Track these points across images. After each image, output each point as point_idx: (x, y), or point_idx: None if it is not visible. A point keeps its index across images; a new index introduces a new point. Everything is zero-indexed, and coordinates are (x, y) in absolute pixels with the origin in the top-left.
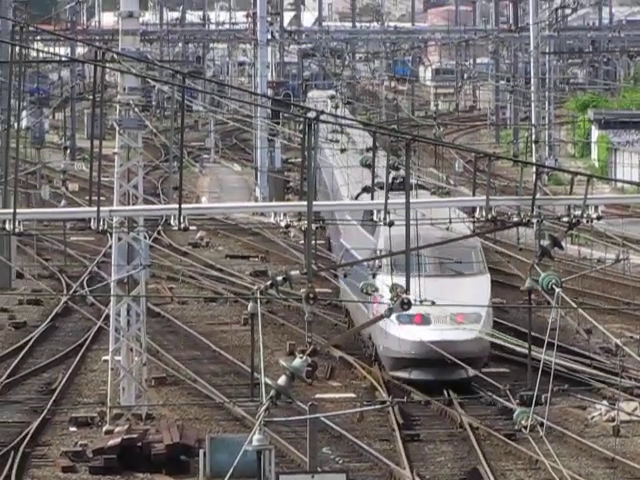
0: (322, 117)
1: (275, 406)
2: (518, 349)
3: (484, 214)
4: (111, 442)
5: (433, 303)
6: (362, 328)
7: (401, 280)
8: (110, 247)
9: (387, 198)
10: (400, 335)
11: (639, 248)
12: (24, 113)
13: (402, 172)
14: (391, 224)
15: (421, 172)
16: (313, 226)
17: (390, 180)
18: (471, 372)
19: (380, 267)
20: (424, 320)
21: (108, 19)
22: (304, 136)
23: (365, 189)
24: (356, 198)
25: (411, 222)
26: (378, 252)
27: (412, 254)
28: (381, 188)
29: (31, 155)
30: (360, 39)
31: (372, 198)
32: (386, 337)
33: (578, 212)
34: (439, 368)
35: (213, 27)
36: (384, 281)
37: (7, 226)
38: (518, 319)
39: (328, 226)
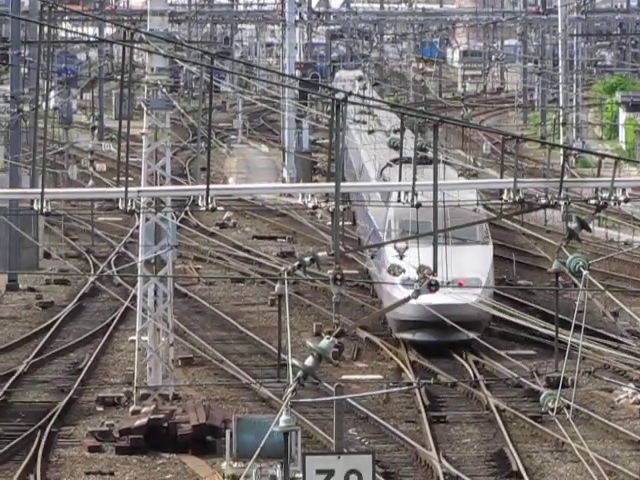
0: (350, 98)
1: (302, 387)
2: (545, 331)
3: (512, 196)
4: (138, 422)
5: (435, 272)
6: (389, 310)
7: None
8: (137, 227)
9: (415, 180)
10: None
11: None
12: (52, 93)
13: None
14: (418, 205)
15: (448, 154)
16: (341, 207)
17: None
18: (471, 334)
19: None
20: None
21: None
22: (332, 117)
23: (390, 163)
24: (381, 172)
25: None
26: (387, 221)
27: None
28: (405, 162)
29: (59, 135)
30: (388, 20)
31: (400, 177)
32: (392, 301)
33: (605, 194)
34: (441, 330)
35: (241, 8)
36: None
37: (35, 206)
38: (545, 301)
39: (354, 207)
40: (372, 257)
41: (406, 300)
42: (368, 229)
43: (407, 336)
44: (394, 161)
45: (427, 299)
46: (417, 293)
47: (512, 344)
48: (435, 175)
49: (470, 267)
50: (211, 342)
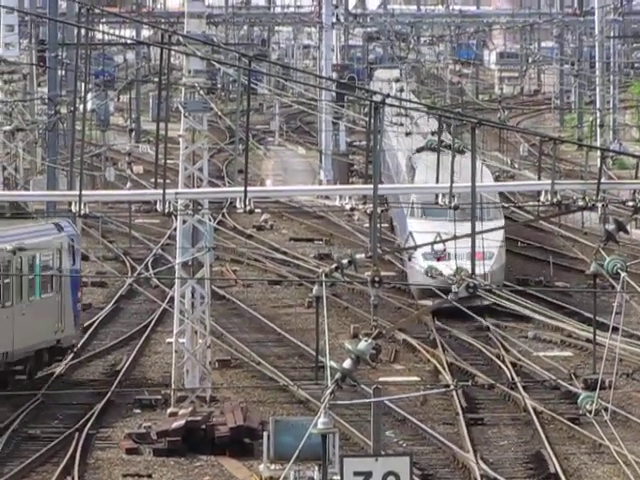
0: (388, 100)
1: (340, 389)
2: (582, 333)
3: (549, 198)
4: (175, 424)
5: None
6: (426, 312)
7: (430, 223)
8: (175, 229)
9: (452, 182)
10: (426, 267)
11: None
12: (89, 95)
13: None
14: (456, 208)
15: (485, 156)
16: (378, 209)
17: (426, 144)
18: (485, 301)
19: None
20: (446, 257)
21: (174, 1)
22: (370, 119)
23: (419, 149)
24: (409, 159)
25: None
26: (412, 200)
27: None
28: (430, 149)
29: (96, 137)
30: (425, 22)
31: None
32: (415, 272)
33: None
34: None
35: (278, 10)
36: (414, 224)
37: (73, 208)
38: (583, 303)
39: (391, 208)
40: (409, 259)
41: (445, 301)
42: (403, 229)
43: (427, 302)
44: (419, 150)
45: (447, 269)
46: (455, 295)
47: (550, 346)
48: (473, 177)
49: (484, 241)
50: (248, 344)
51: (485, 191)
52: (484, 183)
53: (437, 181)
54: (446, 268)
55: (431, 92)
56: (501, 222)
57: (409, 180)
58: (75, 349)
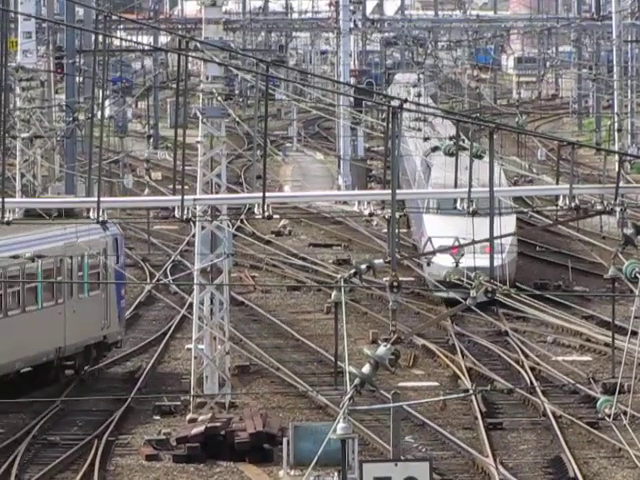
0: (406, 106)
1: (359, 395)
2: (601, 337)
3: (567, 202)
4: (194, 431)
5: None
6: (444, 317)
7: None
8: (193, 236)
9: (470, 186)
10: (440, 262)
11: None
12: (107, 102)
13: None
14: (474, 213)
15: (504, 160)
16: (396, 214)
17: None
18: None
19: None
20: (459, 251)
21: (191, 8)
22: (387, 124)
23: (434, 148)
24: (426, 156)
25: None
26: (428, 200)
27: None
28: (449, 154)
29: (114, 144)
30: (442, 27)
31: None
32: (431, 265)
33: None
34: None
35: (296, 16)
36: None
37: (91, 214)
38: (601, 308)
39: (409, 213)
40: (428, 264)
41: (462, 307)
42: (422, 233)
43: (442, 294)
44: (434, 149)
45: (460, 262)
46: (473, 300)
47: (569, 350)
48: (491, 182)
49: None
50: (267, 350)
51: (503, 195)
52: (502, 187)
53: (455, 186)
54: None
55: (449, 97)
56: (513, 217)
57: (425, 179)
58: (119, 345)
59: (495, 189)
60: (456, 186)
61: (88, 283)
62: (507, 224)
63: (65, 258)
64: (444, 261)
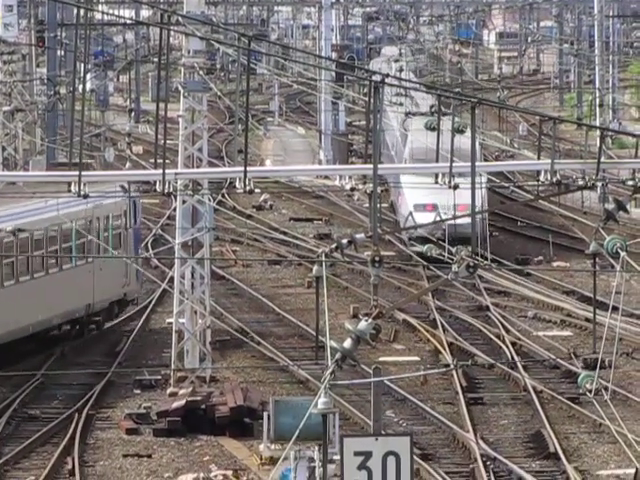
0: (387, 80)
1: (340, 369)
2: (582, 312)
3: (549, 178)
4: (175, 404)
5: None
6: (425, 292)
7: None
8: (174, 210)
9: (452, 162)
10: (417, 220)
11: None
12: (89, 76)
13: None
14: (456, 187)
15: (485, 135)
16: (378, 189)
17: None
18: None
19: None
20: (434, 208)
21: None
22: (369, 99)
23: (408, 113)
24: (402, 123)
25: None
26: (405, 159)
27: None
28: (430, 129)
29: (96, 118)
30: (424, 2)
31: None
32: (407, 222)
33: None
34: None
35: None
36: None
37: (73, 188)
38: (582, 283)
39: (392, 188)
40: (410, 242)
41: (444, 281)
42: (402, 205)
43: (418, 249)
44: (411, 114)
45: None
46: (455, 275)
47: (549, 326)
48: (473, 157)
49: (467, 195)
50: (248, 324)
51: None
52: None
53: (437, 161)
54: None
55: (430, 71)
56: (484, 177)
57: (402, 143)
58: (136, 302)
59: (477, 164)
60: (437, 161)
61: (110, 243)
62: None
63: (94, 219)
64: (422, 219)
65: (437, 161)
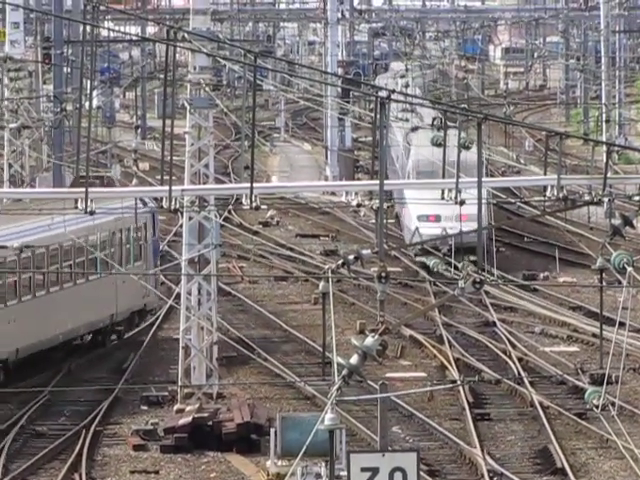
0: (393, 96)
1: (347, 385)
2: (589, 328)
3: (555, 193)
4: (182, 421)
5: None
6: (432, 308)
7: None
8: (181, 226)
9: (458, 177)
10: (420, 230)
11: None
12: (95, 92)
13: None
14: (462, 203)
15: (491, 151)
16: (384, 205)
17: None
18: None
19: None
20: (437, 219)
21: None
22: (375, 115)
23: (414, 128)
24: (406, 137)
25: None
26: (408, 172)
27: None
28: (436, 145)
29: (102, 134)
30: (430, 18)
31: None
32: (410, 232)
33: None
34: (449, 254)
35: (283, 6)
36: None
37: (79, 205)
38: (589, 298)
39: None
40: (416, 256)
41: (449, 297)
42: (406, 216)
43: (422, 259)
44: (414, 129)
45: (438, 230)
46: (461, 290)
47: (556, 341)
48: (480, 173)
49: (470, 205)
50: (255, 340)
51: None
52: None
53: (443, 176)
54: (437, 229)
55: (437, 87)
56: (486, 190)
57: (405, 156)
58: (155, 312)
59: (484, 180)
60: (444, 177)
61: (132, 254)
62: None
63: (116, 231)
64: (425, 229)
65: (443, 176)
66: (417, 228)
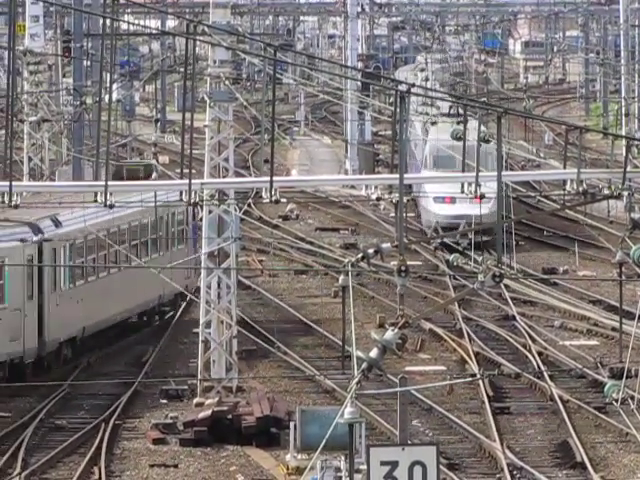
0: (413, 90)
1: (366, 379)
2: (608, 322)
3: (575, 187)
4: (202, 414)
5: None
6: (452, 302)
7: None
8: (201, 219)
9: (478, 171)
10: (436, 211)
11: None
12: (115, 86)
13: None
14: (482, 197)
15: (511, 144)
16: (404, 199)
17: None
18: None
19: None
20: (452, 200)
21: None
22: (395, 109)
23: (434, 122)
24: (424, 127)
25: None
26: (425, 157)
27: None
28: (456, 139)
29: (122, 128)
30: (450, 12)
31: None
32: (427, 212)
33: None
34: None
35: (303, 0)
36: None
37: (99, 198)
38: (609, 292)
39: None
40: (435, 249)
41: (469, 291)
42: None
43: (437, 240)
44: (433, 123)
45: (453, 210)
46: (481, 284)
47: (576, 335)
48: (499, 166)
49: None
50: (274, 334)
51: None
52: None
53: (463, 171)
54: (452, 209)
55: (457, 81)
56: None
57: (423, 145)
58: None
59: (504, 173)
60: (463, 171)
61: (177, 238)
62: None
63: (164, 215)
64: (439, 209)
65: (463, 170)
66: (437, 222)
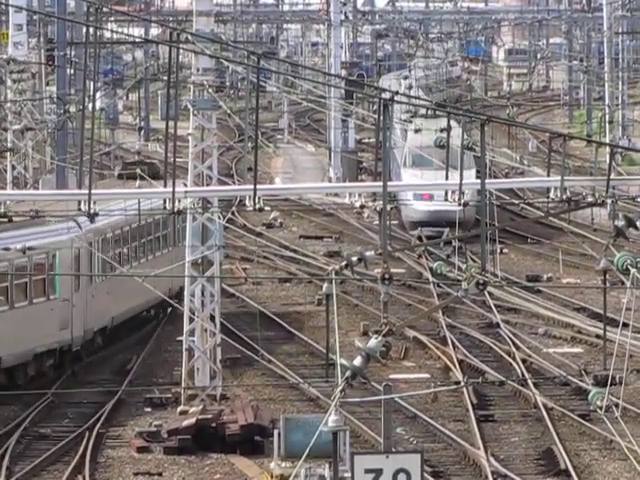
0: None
1: (350, 387)
2: (592, 329)
3: (558, 194)
4: (186, 423)
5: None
6: (436, 309)
7: (421, 173)
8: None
9: (462, 179)
10: (415, 207)
11: None
12: (98, 94)
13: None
14: (465, 205)
15: (495, 152)
16: (388, 206)
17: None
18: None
19: None
20: (430, 197)
21: (182, 0)
22: (379, 116)
23: (412, 116)
24: (403, 123)
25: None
26: (404, 156)
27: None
28: (440, 147)
29: (105, 136)
30: (433, 19)
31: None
32: (407, 208)
33: None
34: (438, 228)
35: (287, 8)
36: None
37: (82, 207)
38: (593, 299)
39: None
40: (419, 257)
41: (453, 300)
42: (397, 178)
43: (415, 232)
44: (417, 131)
45: (431, 207)
46: (465, 292)
47: (560, 342)
48: (483, 175)
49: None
50: (258, 342)
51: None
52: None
53: (446, 178)
54: (431, 205)
55: (440, 89)
56: (473, 170)
57: (402, 139)
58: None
59: (487, 181)
60: (447, 178)
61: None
62: (469, 175)
63: (160, 218)
64: (420, 205)
65: (447, 178)
66: (421, 230)
